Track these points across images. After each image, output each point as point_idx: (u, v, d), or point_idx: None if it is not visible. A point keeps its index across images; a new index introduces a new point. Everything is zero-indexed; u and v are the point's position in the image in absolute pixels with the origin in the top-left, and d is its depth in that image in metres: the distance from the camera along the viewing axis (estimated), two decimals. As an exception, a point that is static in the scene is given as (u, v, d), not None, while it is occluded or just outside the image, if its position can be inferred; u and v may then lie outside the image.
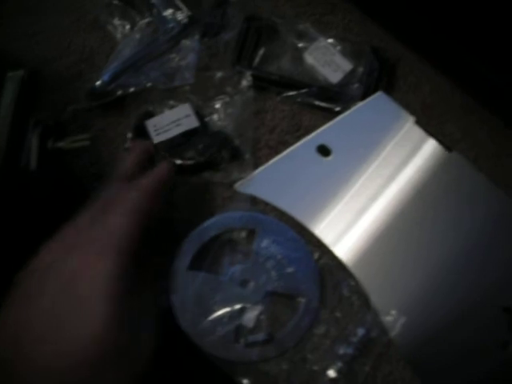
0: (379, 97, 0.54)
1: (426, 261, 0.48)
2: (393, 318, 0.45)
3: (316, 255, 0.49)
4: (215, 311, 0.47)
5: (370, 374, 0.47)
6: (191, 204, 0.52)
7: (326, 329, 0.49)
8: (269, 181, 0.51)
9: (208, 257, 0.49)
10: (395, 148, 0.51)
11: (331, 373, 0.46)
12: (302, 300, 0.48)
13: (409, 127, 0.52)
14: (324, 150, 0.52)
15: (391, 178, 0.50)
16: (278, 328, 0.47)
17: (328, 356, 0.46)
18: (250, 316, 0.47)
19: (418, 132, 0.52)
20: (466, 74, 0.57)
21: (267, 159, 0.53)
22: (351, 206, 0.49)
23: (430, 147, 0.51)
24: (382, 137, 0.53)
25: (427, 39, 0.57)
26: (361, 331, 0.47)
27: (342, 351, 0.46)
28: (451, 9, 0.52)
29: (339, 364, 0.46)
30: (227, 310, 0.47)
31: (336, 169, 0.51)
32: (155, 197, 0.44)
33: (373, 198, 0.49)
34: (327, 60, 0.57)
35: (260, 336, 0.46)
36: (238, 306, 0.48)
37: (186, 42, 0.57)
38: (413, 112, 0.56)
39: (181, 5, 0.58)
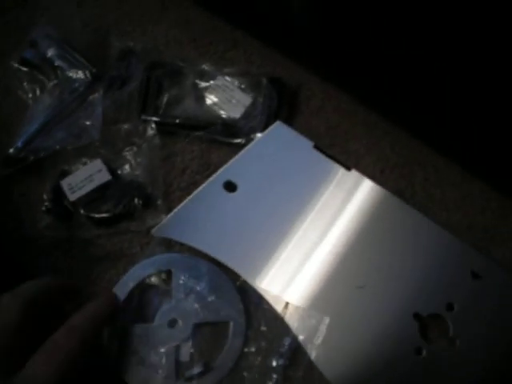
0: (277, 126, 0.56)
1: (352, 280, 0.51)
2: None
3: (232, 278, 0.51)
4: (151, 357, 0.49)
5: (305, 379, 0.49)
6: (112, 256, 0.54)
7: (257, 345, 0.51)
8: (183, 223, 0.53)
9: (132, 308, 0.50)
10: (306, 179, 0.53)
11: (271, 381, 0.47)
12: (230, 324, 0.50)
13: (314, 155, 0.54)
14: (230, 186, 0.55)
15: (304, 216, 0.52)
16: (213, 355, 0.50)
17: (263, 371, 0.48)
18: (185, 351, 0.49)
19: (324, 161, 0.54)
20: (367, 89, 0.59)
21: (180, 201, 0.55)
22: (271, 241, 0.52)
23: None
24: (287, 166, 0.55)
25: (328, 60, 0.59)
26: (287, 340, 0.49)
27: (274, 363, 0.49)
28: (348, 31, 0.54)
29: (275, 376, 0.49)
30: (162, 351, 0.48)
31: (243, 202, 0.54)
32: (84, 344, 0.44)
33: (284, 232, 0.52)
34: (227, 97, 0.59)
35: (197, 368, 0.48)
36: (171, 346, 0.48)
37: (92, 99, 0.59)
38: (318, 134, 0.58)
39: (84, 62, 0.61)
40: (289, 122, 0.59)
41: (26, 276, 0.49)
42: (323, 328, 0.49)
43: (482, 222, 0.55)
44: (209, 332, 0.51)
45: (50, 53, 0.62)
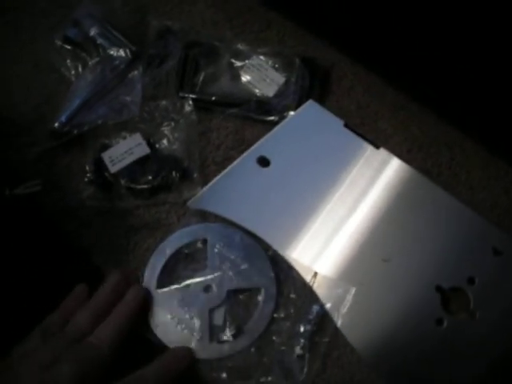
0: (309, 105, 0.59)
1: (378, 253, 0.55)
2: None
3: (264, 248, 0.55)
4: (187, 320, 0.53)
5: (330, 344, 0.53)
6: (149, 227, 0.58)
7: (286, 312, 0.54)
8: (217, 195, 0.57)
9: (172, 274, 0.55)
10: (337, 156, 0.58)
11: (297, 350, 0.52)
12: (261, 290, 0.54)
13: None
14: (263, 161, 0.58)
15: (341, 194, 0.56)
16: (245, 320, 0.54)
17: (291, 336, 0.52)
18: (218, 316, 0.53)
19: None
20: (397, 71, 0.61)
21: (215, 175, 0.58)
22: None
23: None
24: (318, 144, 0.58)
25: (359, 43, 0.61)
26: (315, 308, 0.53)
27: (302, 329, 0.53)
28: (379, 13, 0.56)
29: (302, 341, 0.52)
30: (197, 315, 0.54)
31: (275, 177, 0.58)
32: None
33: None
34: (261, 75, 0.62)
35: (229, 332, 0.52)
36: (206, 310, 0.53)
37: (132, 76, 0.62)
38: (348, 113, 0.61)
39: (125, 41, 0.64)
40: (320, 101, 0.61)
41: (69, 245, 0.53)
42: (349, 297, 0.52)
43: (505, 202, 0.57)
44: (241, 298, 0.54)
45: (92, 32, 0.64)
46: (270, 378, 0.50)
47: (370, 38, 0.61)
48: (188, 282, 0.55)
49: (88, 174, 0.60)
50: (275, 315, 0.53)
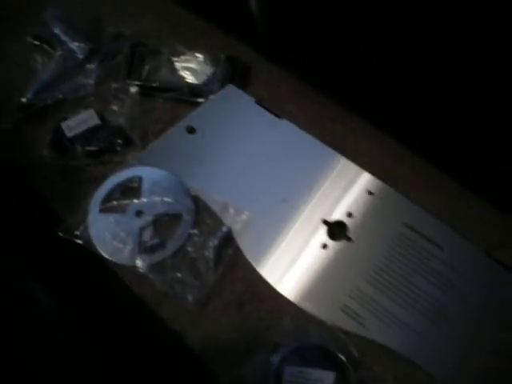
0: (229, 88, 0.77)
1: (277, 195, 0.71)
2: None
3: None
4: (122, 236, 0.68)
5: (233, 255, 0.68)
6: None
7: (200, 231, 0.69)
8: (156, 155, 0.73)
9: (112, 202, 0.70)
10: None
11: (206, 257, 0.67)
12: (182, 215, 0.69)
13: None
14: (191, 129, 0.75)
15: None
16: (168, 237, 0.68)
17: (202, 248, 0.67)
18: (147, 233, 0.69)
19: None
20: (302, 67, 0.80)
21: (154, 144, 0.75)
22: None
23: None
24: (236, 116, 0.75)
25: (274, 47, 0.80)
26: (224, 228, 0.68)
27: (211, 243, 0.67)
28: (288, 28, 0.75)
29: (211, 251, 0.67)
30: (130, 232, 0.68)
31: (200, 141, 0.74)
32: None
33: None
34: (193, 68, 0.80)
35: (155, 241, 0.68)
36: (137, 228, 0.68)
37: (89, 66, 0.79)
38: (262, 98, 0.78)
39: (84, 39, 0.81)
40: (240, 88, 0.79)
41: (33, 194, 0.70)
42: (249, 224, 0.68)
43: (383, 163, 0.75)
44: (166, 220, 0.69)
45: (57, 30, 0.81)
46: (179, 275, 0.64)
47: (282, 44, 0.79)
48: (124, 207, 0.68)
49: (49, 139, 0.75)
50: (191, 231, 0.67)
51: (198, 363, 0.62)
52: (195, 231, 0.67)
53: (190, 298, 0.63)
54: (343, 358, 0.60)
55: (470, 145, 0.68)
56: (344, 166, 0.72)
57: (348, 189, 0.68)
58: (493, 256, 0.65)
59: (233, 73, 0.78)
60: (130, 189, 0.70)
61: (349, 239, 0.66)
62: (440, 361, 0.61)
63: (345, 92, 0.74)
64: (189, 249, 0.65)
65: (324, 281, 0.65)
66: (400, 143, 0.74)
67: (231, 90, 0.75)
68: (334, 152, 0.73)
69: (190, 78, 0.77)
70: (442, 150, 0.70)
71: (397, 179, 0.72)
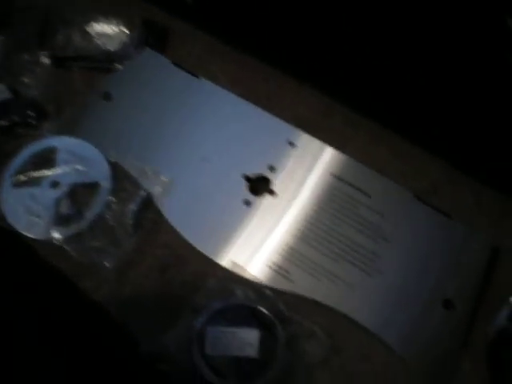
0: (146, 52, 0.73)
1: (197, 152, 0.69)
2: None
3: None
4: (37, 208, 0.64)
5: (154, 220, 0.66)
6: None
7: (119, 197, 0.66)
8: (73, 124, 0.69)
9: (27, 175, 0.67)
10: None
11: (126, 221, 0.64)
12: (99, 184, 0.65)
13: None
14: (107, 96, 0.71)
15: None
16: (86, 207, 0.65)
17: (121, 214, 0.64)
18: (64, 204, 0.65)
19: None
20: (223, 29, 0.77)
21: (69, 114, 0.71)
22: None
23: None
24: (154, 79, 0.71)
25: (190, 7, 0.77)
26: (143, 193, 0.65)
27: (130, 209, 0.65)
28: None
29: (130, 217, 0.64)
30: (45, 204, 0.65)
31: (118, 108, 0.72)
32: None
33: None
34: (109, 34, 0.76)
35: (72, 211, 0.64)
36: (53, 201, 0.65)
37: None
38: (184, 62, 0.75)
39: None
40: (159, 52, 0.75)
41: None
42: (169, 186, 0.64)
43: (305, 115, 0.73)
44: (83, 191, 0.66)
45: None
46: (98, 244, 0.60)
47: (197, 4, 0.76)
48: (39, 179, 0.66)
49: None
50: (109, 199, 0.64)
51: (122, 333, 0.57)
52: (113, 198, 0.64)
53: (108, 266, 0.60)
54: (270, 315, 0.56)
55: (396, 89, 0.66)
56: (265, 119, 0.69)
57: (269, 142, 0.66)
58: (423, 200, 0.61)
59: (150, 37, 0.74)
60: (45, 161, 0.67)
61: (273, 194, 0.62)
62: (374, 312, 0.60)
63: (267, 49, 0.71)
64: (107, 217, 0.63)
65: (249, 238, 0.63)
66: (326, 96, 0.72)
67: (148, 53, 0.72)
68: (255, 107, 0.70)
69: (105, 45, 0.74)
70: (368, 97, 0.67)
71: (322, 131, 0.70)
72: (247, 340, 0.55)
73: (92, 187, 0.66)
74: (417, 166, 0.66)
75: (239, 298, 0.59)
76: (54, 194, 0.65)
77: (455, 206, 0.64)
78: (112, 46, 0.74)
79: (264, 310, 0.58)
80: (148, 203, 0.66)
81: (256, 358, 0.55)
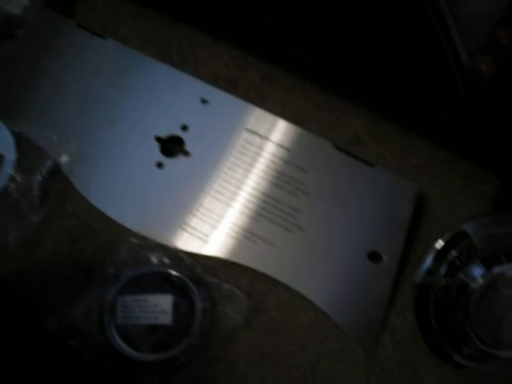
0: (46, 14, 0.68)
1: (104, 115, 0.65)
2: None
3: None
4: None
5: (62, 190, 0.63)
6: None
7: (23, 168, 0.62)
8: None
9: None
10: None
11: (32, 193, 0.61)
12: (2, 156, 0.61)
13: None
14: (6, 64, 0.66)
15: None
16: None
17: (27, 185, 0.61)
18: None
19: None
20: None
21: None
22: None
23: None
24: (58, 43, 0.67)
25: None
26: (49, 162, 0.61)
27: (36, 180, 0.61)
28: None
29: (36, 188, 0.61)
30: None
31: (19, 75, 0.69)
32: None
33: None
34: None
35: None
36: None
37: None
38: (93, 25, 0.71)
39: None
40: (66, 16, 0.71)
41: None
42: (77, 153, 0.60)
43: (225, 74, 0.69)
44: None
45: None
46: (1, 218, 0.56)
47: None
48: None
49: None
50: (12, 172, 0.59)
51: (27, 311, 0.53)
52: (17, 170, 0.60)
53: (13, 240, 0.55)
54: (186, 279, 0.52)
55: (311, 36, 0.64)
56: (176, 78, 0.66)
57: (181, 101, 0.62)
58: (343, 150, 0.58)
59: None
60: None
61: (186, 154, 0.58)
62: (296, 270, 0.58)
63: (178, 7, 0.67)
64: (11, 190, 0.57)
65: (162, 201, 0.60)
66: (242, 52, 0.69)
67: (50, 15, 0.67)
68: (166, 66, 0.66)
69: (5, 9, 0.68)
70: (284, 49, 0.62)
71: (240, 87, 0.67)
72: (161, 307, 0.51)
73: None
74: (338, 117, 0.63)
75: (153, 264, 0.54)
76: None
77: (380, 155, 0.62)
78: (13, 10, 0.69)
79: (179, 275, 0.53)
80: (55, 173, 0.62)
81: (171, 325, 0.50)
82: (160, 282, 0.54)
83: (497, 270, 0.50)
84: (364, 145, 0.62)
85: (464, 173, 0.62)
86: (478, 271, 0.50)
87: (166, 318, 0.51)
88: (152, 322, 0.52)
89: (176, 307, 0.53)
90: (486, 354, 0.51)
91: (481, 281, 0.50)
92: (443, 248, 0.54)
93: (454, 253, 0.54)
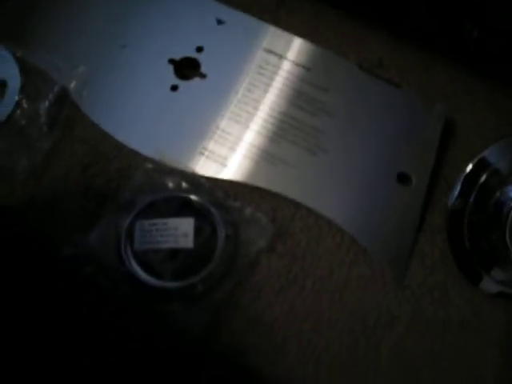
0: None
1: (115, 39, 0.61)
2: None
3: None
4: None
5: (71, 116, 0.59)
6: None
7: (29, 94, 0.58)
8: None
9: None
10: None
11: (40, 119, 0.57)
12: (6, 81, 0.58)
13: None
14: None
15: None
16: None
17: (34, 111, 0.58)
18: None
19: None
20: None
21: None
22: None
23: None
24: None
25: None
26: (57, 88, 0.58)
27: (43, 106, 0.58)
28: None
29: (43, 114, 0.58)
30: None
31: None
32: None
33: None
34: None
35: None
36: None
37: None
38: None
39: None
40: None
41: None
42: (88, 78, 0.56)
43: None
44: None
45: None
46: (8, 145, 0.56)
47: None
48: None
49: None
50: (18, 97, 0.57)
51: (41, 241, 0.50)
52: (22, 96, 0.57)
53: (22, 168, 0.51)
54: (206, 203, 0.48)
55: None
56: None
57: (195, 22, 0.58)
58: (368, 70, 0.54)
59: None
60: None
61: (202, 76, 0.55)
62: (320, 193, 0.55)
63: None
64: (17, 117, 0.55)
65: (178, 125, 0.57)
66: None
67: None
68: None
69: None
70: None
71: (255, 8, 0.63)
72: (181, 230, 0.48)
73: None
74: (359, 39, 0.59)
75: (170, 189, 0.51)
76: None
77: (404, 80, 0.58)
78: None
79: (199, 199, 0.50)
80: (64, 99, 0.58)
81: (192, 249, 0.47)
82: (179, 207, 0.51)
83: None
84: (386, 67, 0.59)
85: (490, 97, 0.59)
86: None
87: (188, 242, 0.48)
88: (172, 245, 0.48)
89: (197, 231, 0.49)
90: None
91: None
92: (473, 171, 0.52)
93: (484, 175, 0.52)
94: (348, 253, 0.52)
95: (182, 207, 0.51)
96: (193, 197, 0.52)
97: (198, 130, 0.55)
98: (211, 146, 0.54)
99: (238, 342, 0.49)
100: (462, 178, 0.51)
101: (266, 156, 0.53)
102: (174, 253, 0.49)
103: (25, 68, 0.59)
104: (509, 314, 0.50)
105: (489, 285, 0.50)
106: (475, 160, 0.52)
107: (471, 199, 0.50)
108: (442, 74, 0.59)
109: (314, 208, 0.52)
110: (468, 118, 0.57)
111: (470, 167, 0.51)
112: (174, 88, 0.56)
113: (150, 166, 0.54)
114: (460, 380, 0.50)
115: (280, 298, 0.51)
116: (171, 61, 0.57)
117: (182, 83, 0.56)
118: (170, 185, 0.53)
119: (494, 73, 0.58)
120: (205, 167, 0.53)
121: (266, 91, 0.55)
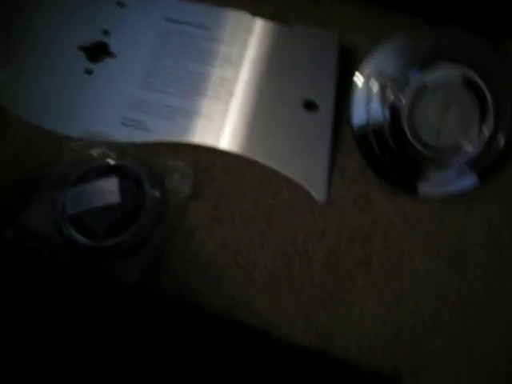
0: None
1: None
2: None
3: None
4: None
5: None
6: None
7: None
8: None
9: None
10: None
11: None
12: None
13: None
14: None
15: None
16: None
17: None
18: None
19: None
20: None
21: None
22: None
23: None
24: None
25: None
26: None
27: None
28: None
29: None
30: None
31: None
32: None
33: None
34: None
35: None
36: None
37: None
38: None
39: None
40: None
41: None
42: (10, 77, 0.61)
43: None
44: None
45: None
46: None
47: None
48: None
49: None
50: None
51: None
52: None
53: None
54: (129, 164, 0.53)
55: None
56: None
57: (97, 7, 0.62)
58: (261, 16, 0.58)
59: None
60: None
61: (112, 55, 0.59)
62: (230, 134, 0.60)
63: None
64: None
65: (97, 104, 0.62)
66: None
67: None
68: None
69: None
70: None
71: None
72: (107, 189, 0.52)
73: None
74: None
75: (98, 160, 0.55)
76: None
77: (299, 17, 0.64)
78: None
79: (122, 162, 0.54)
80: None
81: (120, 203, 0.51)
82: (105, 172, 0.54)
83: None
84: (286, 15, 0.62)
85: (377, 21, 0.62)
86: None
87: (115, 197, 0.52)
88: (102, 203, 0.52)
89: (124, 189, 0.53)
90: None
91: (409, 93, 0.54)
92: (365, 83, 0.57)
93: (376, 85, 0.56)
94: (271, 183, 0.55)
95: (108, 172, 0.55)
96: (117, 161, 0.55)
97: (117, 104, 0.60)
98: (130, 114, 0.58)
99: (178, 282, 0.52)
100: (356, 92, 0.54)
101: (181, 112, 0.57)
102: (105, 209, 0.52)
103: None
104: (431, 209, 0.53)
105: (407, 184, 0.55)
106: (363, 71, 0.56)
107: (371, 110, 0.53)
108: (334, 6, 0.63)
109: (231, 150, 0.55)
110: (363, 41, 0.61)
111: (360, 81, 0.56)
112: (89, 71, 0.60)
113: (78, 144, 0.58)
114: (395, 277, 0.53)
115: (212, 235, 0.54)
116: (82, 48, 0.61)
117: (95, 66, 0.61)
118: (97, 156, 0.56)
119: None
120: (127, 135, 0.58)
121: (173, 56, 0.60)
